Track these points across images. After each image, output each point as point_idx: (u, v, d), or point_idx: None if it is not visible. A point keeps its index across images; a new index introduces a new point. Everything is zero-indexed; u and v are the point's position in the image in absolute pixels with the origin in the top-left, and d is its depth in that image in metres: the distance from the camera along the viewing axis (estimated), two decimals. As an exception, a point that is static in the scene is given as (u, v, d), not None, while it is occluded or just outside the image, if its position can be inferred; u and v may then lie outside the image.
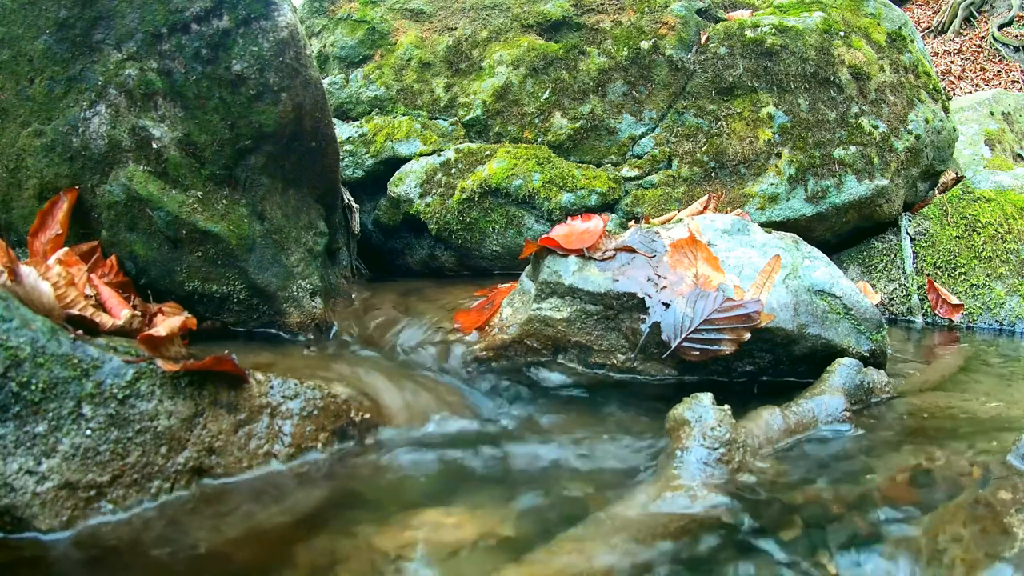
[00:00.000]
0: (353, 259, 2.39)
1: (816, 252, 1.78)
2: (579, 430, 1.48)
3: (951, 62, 11.12)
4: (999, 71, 10.72)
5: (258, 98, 1.72)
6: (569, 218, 1.83)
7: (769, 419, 1.38)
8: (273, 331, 1.86)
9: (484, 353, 1.73)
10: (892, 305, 2.69)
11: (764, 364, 1.65)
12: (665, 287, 1.62)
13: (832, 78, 2.57)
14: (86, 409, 1.14)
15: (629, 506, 1.12)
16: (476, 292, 2.10)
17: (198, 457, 1.22)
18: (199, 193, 1.72)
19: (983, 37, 11.50)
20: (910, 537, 1.02)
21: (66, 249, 1.60)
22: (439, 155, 2.64)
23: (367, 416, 1.42)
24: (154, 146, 1.68)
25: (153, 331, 1.26)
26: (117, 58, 1.67)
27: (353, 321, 1.99)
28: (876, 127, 2.59)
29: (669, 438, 1.29)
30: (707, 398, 1.31)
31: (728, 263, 1.69)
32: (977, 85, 10.34)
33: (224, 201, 1.75)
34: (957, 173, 3.21)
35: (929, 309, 2.64)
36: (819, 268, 1.70)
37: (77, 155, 1.69)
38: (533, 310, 1.70)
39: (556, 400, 1.64)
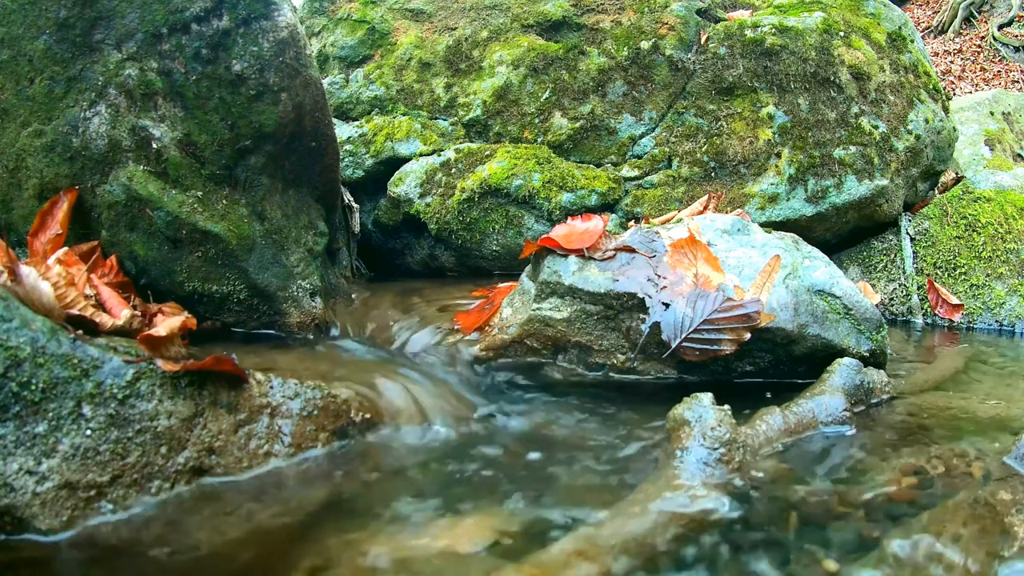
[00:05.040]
0: (353, 259, 2.39)
1: (816, 252, 1.78)
2: (579, 430, 1.48)
3: (951, 62, 11.11)
4: (999, 71, 10.72)
5: (258, 98, 1.72)
6: (569, 218, 1.83)
7: (769, 419, 1.38)
8: (273, 331, 1.86)
9: (484, 353, 1.73)
10: (892, 305, 2.69)
11: (764, 364, 1.65)
12: (665, 287, 1.62)
13: (832, 78, 2.57)
14: (86, 409, 1.14)
15: (629, 506, 1.12)
16: (476, 292, 2.10)
17: (198, 457, 1.22)
18: (199, 193, 1.72)
19: (983, 37, 11.49)
20: (910, 537, 1.02)
21: (66, 249, 1.60)
22: (439, 155, 2.64)
23: (367, 416, 1.42)
24: (154, 146, 1.68)
25: (153, 331, 1.26)
26: (117, 58, 1.67)
27: (353, 321, 1.99)
28: (876, 127, 2.59)
29: (669, 438, 1.29)
30: (707, 398, 1.31)
31: (728, 263, 1.69)
32: (977, 85, 10.34)
33: (224, 201, 1.75)
34: (957, 173, 3.21)
35: (929, 309, 2.64)
36: (819, 268, 1.70)
37: (77, 155, 1.69)
38: (533, 310, 1.70)
39: (556, 400, 1.64)
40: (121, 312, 1.46)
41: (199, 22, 1.66)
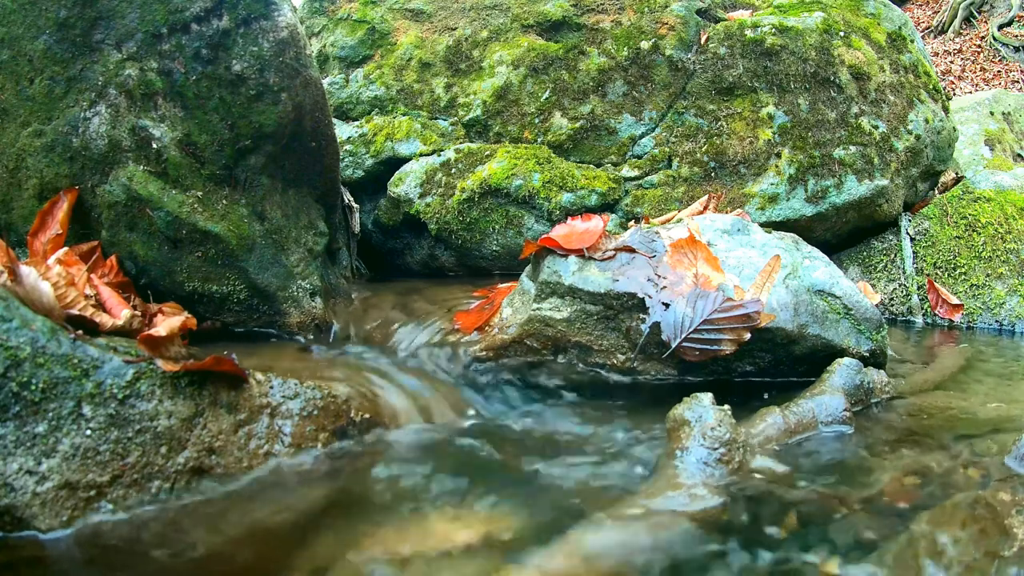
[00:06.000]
0: (353, 259, 2.39)
1: (816, 252, 1.78)
2: (579, 430, 1.48)
3: (951, 62, 11.11)
4: (999, 71, 10.72)
5: (258, 98, 1.72)
6: (569, 218, 1.83)
7: (769, 419, 1.38)
8: (273, 331, 1.86)
9: (484, 353, 1.73)
10: (892, 305, 2.69)
11: (764, 364, 1.65)
12: (665, 287, 1.62)
13: (832, 78, 2.57)
14: (86, 409, 1.14)
15: (629, 506, 1.12)
16: (476, 292, 2.10)
17: (198, 457, 1.22)
18: (199, 193, 1.72)
19: (983, 37, 11.49)
20: (909, 537, 1.02)
21: (66, 249, 1.60)
22: (439, 155, 2.64)
23: (367, 416, 1.42)
24: (154, 146, 1.68)
25: (153, 331, 1.26)
26: (117, 58, 1.67)
27: (353, 321, 1.99)
28: (876, 127, 2.59)
29: (669, 438, 1.29)
30: (707, 398, 1.31)
31: (728, 263, 1.69)
32: (977, 85, 10.34)
33: (224, 201, 1.75)
34: (957, 173, 3.21)
35: (929, 309, 2.64)
36: (819, 268, 1.70)
37: (77, 155, 1.69)
38: (533, 310, 1.70)
39: (556, 400, 1.64)
40: (121, 312, 1.46)
41: (199, 22, 1.66)
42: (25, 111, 1.72)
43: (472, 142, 2.69)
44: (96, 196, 1.70)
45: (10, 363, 1.11)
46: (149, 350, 1.24)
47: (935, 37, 11.98)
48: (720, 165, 2.53)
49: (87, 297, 1.44)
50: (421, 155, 2.67)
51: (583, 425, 1.50)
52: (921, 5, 12.98)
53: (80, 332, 1.22)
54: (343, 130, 2.78)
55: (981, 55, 11.20)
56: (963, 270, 2.67)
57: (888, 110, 2.65)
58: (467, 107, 2.71)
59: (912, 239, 2.76)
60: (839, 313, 1.65)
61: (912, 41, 2.90)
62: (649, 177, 2.56)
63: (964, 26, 11.89)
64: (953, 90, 10.09)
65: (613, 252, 1.70)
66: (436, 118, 2.76)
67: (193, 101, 1.69)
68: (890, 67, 2.73)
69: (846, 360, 1.56)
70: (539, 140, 2.63)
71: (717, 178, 2.53)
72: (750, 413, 1.41)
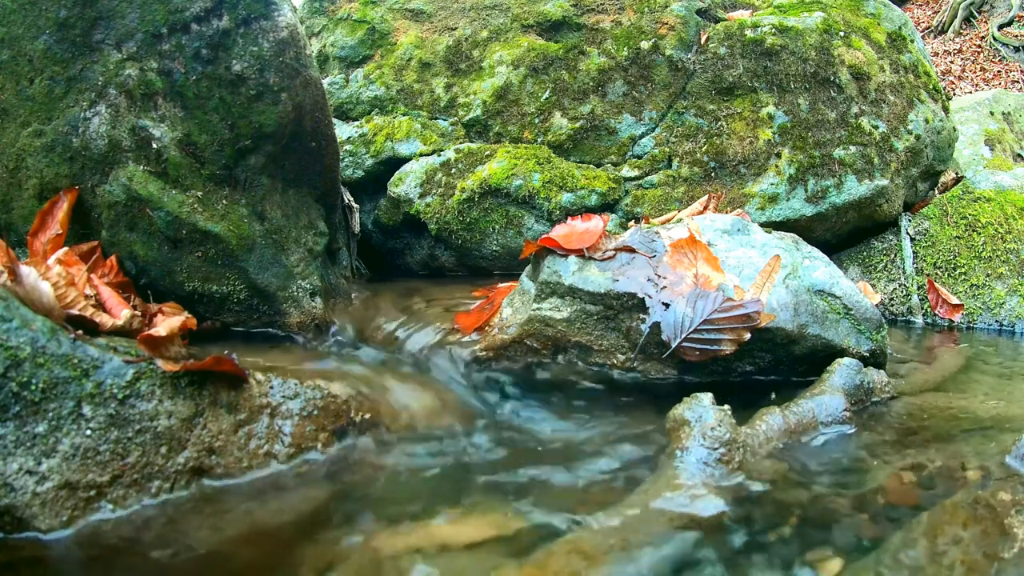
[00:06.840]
0: (353, 259, 2.39)
1: (816, 252, 1.78)
2: (578, 430, 1.48)
3: (951, 62, 11.11)
4: (999, 71, 10.72)
5: (258, 98, 1.72)
6: (569, 218, 1.83)
7: (769, 419, 1.38)
8: (273, 331, 1.86)
9: (484, 353, 1.73)
10: (892, 305, 2.69)
11: (764, 364, 1.65)
12: (665, 287, 1.62)
13: (832, 78, 2.57)
14: (86, 409, 1.14)
15: (629, 506, 1.12)
16: (476, 292, 2.10)
17: (198, 457, 1.22)
18: (199, 193, 1.72)
19: (983, 37, 11.49)
20: (910, 537, 1.02)
21: (66, 249, 1.60)
22: (439, 155, 2.64)
23: (367, 416, 1.42)
24: (154, 146, 1.68)
25: (153, 331, 1.26)
26: (117, 58, 1.67)
27: (353, 321, 1.99)
28: (876, 127, 2.59)
29: (669, 438, 1.29)
30: (707, 398, 1.31)
31: (728, 263, 1.69)
32: (977, 85, 10.34)
33: (224, 201, 1.75)
34: (957, 173, 3.21)
35: (929, 309, 2.64)
36: (819, 268, 1.70)
37: (77, 155, 1.69)
38: (533, 310, 1.70)
39: (555, 400, 1.64)
40: (121, 312, 1.46)
41: (199, 22, 1.66)
42: (25, 111, 1.72)
43: (472, 142, 2.69)
44: (96, 196, 1.70)
45: (10, 363, 1.11)
46: (149, 350, 1.24)
47: (935, 37, 11.98)
48: (720, 165, 2.53)
49: (87, 297, 1.44)
50: (421, 155, 2.67)
51: (583, 425, 1.51)
52: (921, 5, 12.98)
53: (80, 332, 1.22)
54: (343, 130, 2.78)
55: (981, 55, 11.19)
56: (963, 270, 2.66)
57: (888, 110, 2.65)
58: (467, 107, 2.71)
59: (912, 239, 2.76)
60: (839, 313, 1.65)
61: (912, 41, 2.90)
62: (649, 177, 2.56)
63: (964, 26, 11.89)
64: (953, 90, 10.10)
65: (613, 252, 1.70)
66: (436, 118, 2.76)
67: (193, 101, 1.69)
68: (890, 67, 2.73)
69: (846, 360, 1.56)
70: (539, 140, 2.63)
71: (717, 178, 2.53)
72: (750, 413, 1.41)
